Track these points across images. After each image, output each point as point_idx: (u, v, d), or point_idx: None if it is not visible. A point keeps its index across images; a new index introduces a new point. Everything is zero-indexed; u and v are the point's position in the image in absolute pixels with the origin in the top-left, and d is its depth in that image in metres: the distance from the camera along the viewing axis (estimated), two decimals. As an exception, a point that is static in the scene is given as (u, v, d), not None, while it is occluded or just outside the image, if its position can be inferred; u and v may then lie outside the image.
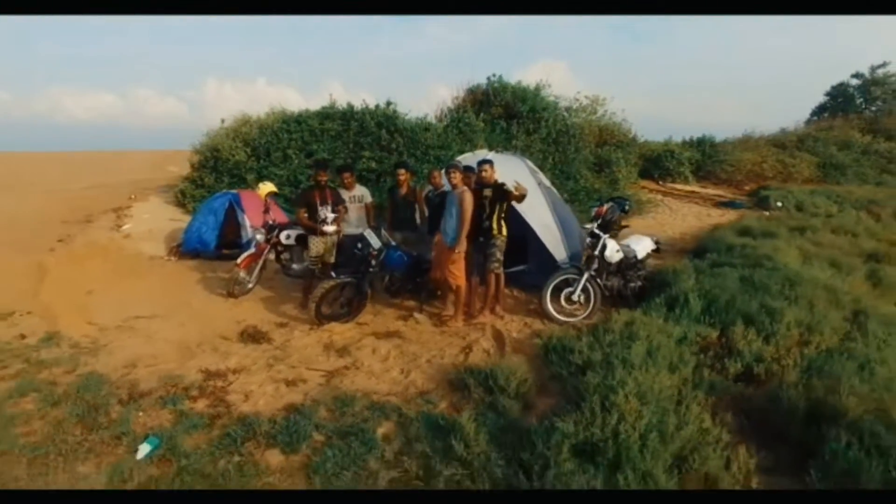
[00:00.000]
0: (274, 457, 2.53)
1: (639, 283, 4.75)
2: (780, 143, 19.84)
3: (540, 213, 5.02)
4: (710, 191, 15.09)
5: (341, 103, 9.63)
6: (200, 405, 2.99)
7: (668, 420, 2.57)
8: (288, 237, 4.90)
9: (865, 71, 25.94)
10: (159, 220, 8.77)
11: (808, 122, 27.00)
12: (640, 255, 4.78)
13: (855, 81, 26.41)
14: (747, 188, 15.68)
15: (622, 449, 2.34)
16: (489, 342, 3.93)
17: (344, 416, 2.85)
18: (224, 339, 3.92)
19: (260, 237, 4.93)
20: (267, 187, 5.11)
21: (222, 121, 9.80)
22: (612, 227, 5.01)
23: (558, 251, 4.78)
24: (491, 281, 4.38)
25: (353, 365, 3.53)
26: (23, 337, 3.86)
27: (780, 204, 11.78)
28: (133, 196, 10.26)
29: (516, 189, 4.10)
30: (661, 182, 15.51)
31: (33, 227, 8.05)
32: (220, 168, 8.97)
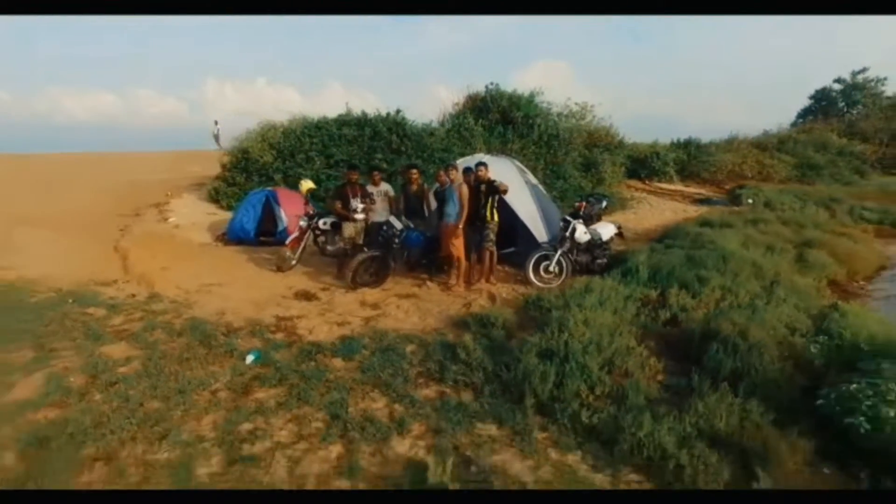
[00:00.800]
0: (338, 362, 3.76)
1: (604, 260, 5.97)
2: (762, 145, 21.09)
3: (526, 205, 6.25)
4: (693, 189, 16.30)
5: (355, 109, 10.90)
6: (279, 336, 4.22)
7: (604, 340, 3.80)
8: (325, 223, 6.13)
9: (847, 76, 27.26)
10: (197, 213, 10.00)
11: (793, 124, 28.27)
12: (605, 237, 6.01)
13: (837, 86, 27.68)
14: (728, 187, 16.90)
15: (569, 352, 3.56)
16: (485, 300, 5.16)
17: (381, 341, 4.07)
18: (284, 298, 5.16)
19: (303, 223, 6.15)
20: (307, 184, 6.35)
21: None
22: (591, 218, 6.29)
23: (540, 234, 6.01)
24: (486, 257, 5.61)
25: (383, 314, 4.76)
26: (133, 296, 5.09)
27: (750, 201, 13.01)
28: (169, 193, 11.47)
29: (499, 185, 5.34)
30: (647, 181, 16.72)
31: (94, 219, 9.27)
32: (249, 168, 10.18)
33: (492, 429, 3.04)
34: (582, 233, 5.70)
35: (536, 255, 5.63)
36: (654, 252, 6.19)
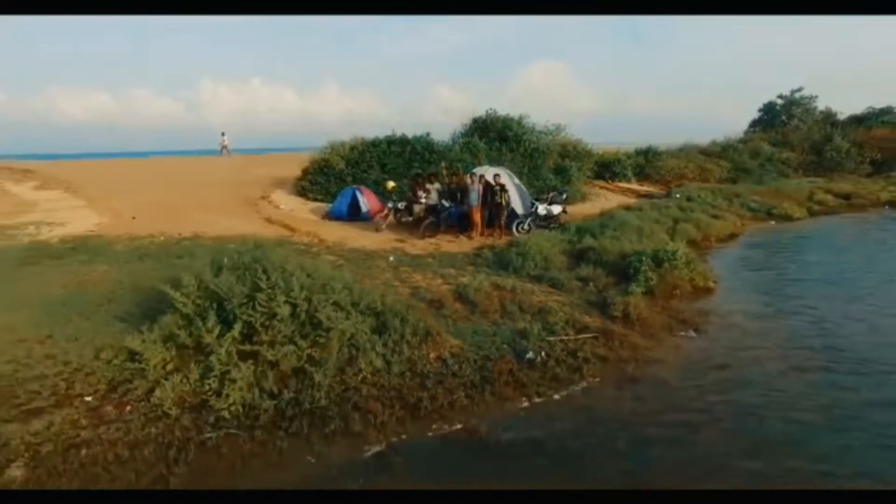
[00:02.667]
0: (429, 260, 8.67)
1: (555, 224, 10.90)
2: (708, 151, 26.14)
3: (513, 195, 11.17)
4: (644, 188, 21.25)
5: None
6: (398, 252, 9.12)
7: (544, 250, 8.71)
8: (401, 205, 11.00)
9: (787, 93, 32.42)
10: (293, 203, 14.81)
11: (746, 132, 33.36)
12: (555, 212, 10.93)
13: (780, 101, 32.80)
14: (673, 186, 21.86)
15: (527, 253, 8.48)
16: (491, 242, 10.07)
17: (444, 255, 8.98)
18: (388, 241, 10.03)
19: (389, 205, 11.03)
20: (391, 184, 11.22)
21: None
22: (555, 203, 11.22)
23: (519, 210, 10.94)
24: (497, 223, 10.53)
25: (440, 248, 9.66)
26: (310, 240, 9.93)
27: (678, 195, 17.91)
28: (265, 190, 16.24)
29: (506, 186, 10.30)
30: (610, 181, 21.67)
31: (228, 206, 14.04)
32: (327, 173, 15.01)
33: (495, 275, 7.93)
34: (542, 209, 10.63)
35: (517, 221, 10.57)
36: (583, 222, 11.13)
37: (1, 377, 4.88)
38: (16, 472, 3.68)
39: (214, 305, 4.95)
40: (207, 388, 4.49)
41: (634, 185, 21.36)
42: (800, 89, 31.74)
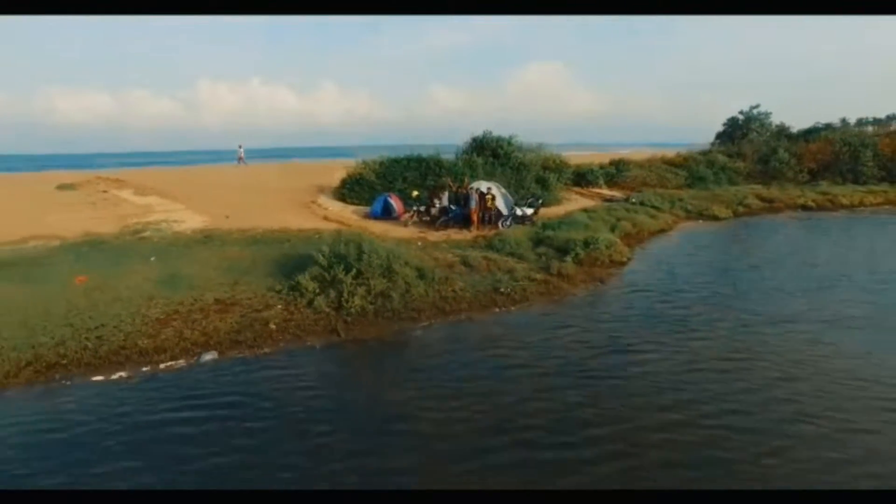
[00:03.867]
0: (443, 244, 13.47)
1: (530, 221, 15.65)
2: (671, 161, 30.87)
3: (501, 202, 15.95)
4: (612, 193, 25.97)
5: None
6: (422, 240, 13.91)
7: (517, 238, 13.49)
8: (422, 208, 15.76)
9: (747, 109, 37.17)
10: (337, 206, 19.57)
11: (713, 143, 38.07)
12: (529, 213, 15.70)
13: (741, 116, 37.55)
14: (634, 191, 26.57)
15: (506, 240, 13.27)
16: (485, 234, 14.85)
17: (453, 241, 13.77)
18: (414, 234, 14.81)
19: (414, 208, 15.79)
20: (416, 192, 15.97)
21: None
22: (531, 206, 16.03)
23: (504, 211, 15.71)
24: (490, 221, 15.31)
25: (450, 238, 14.44)
26: (361, 231, 14.71)
27: (633, 199, 22.64)
28: (311, 196, 20.98)
29: (495, 196, 15.11)
30: (584, 188, 26.42)
31: (291, 207, 18.80)
32: (362, 183, 19.78)
33: (486, 253, 12.71)
34: (520, 210, 15.41)
35: (502, 219, 15.33)
36: (550, 220, 15.91)
37: (229, 299, 9.68)
38: (272, 326, 8.47)
39: (340, 260, 9.73)
40: (341, 299, 9.26)
41: (604, 191, 26.08)
42: (757, 105, 36.52)
